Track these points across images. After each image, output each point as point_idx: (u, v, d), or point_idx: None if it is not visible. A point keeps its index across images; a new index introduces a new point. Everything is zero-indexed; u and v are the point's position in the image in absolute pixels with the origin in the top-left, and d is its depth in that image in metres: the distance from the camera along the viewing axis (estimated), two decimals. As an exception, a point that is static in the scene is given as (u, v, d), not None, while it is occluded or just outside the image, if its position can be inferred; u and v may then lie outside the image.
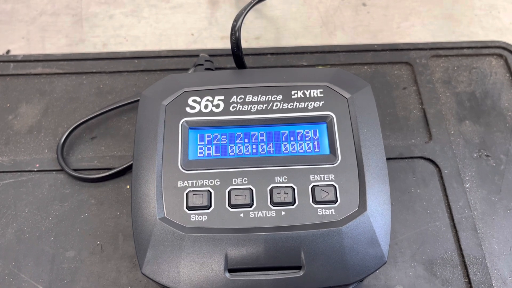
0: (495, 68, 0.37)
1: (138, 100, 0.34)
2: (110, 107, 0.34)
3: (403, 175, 0.32)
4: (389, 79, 0.36)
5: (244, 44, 0.35)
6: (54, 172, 0.32)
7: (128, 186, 0.31)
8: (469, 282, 0.28)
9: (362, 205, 0.24)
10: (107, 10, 0.41)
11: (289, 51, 0.38)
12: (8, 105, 0.35)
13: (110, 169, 0.32)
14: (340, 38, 0.39)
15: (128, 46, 0.39)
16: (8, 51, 0.38)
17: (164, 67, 0.37)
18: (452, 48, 0.38)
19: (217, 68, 0.35)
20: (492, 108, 0.35)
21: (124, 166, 0.32)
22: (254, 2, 0.30)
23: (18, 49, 0.39)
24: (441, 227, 0.30)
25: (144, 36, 0.39)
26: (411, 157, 0.33)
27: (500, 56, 0.38)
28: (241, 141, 0.26)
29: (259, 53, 0.37)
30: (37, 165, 0.32)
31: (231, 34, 0.28)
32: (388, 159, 0.32)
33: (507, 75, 0.37)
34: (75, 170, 0.32)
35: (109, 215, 0.30)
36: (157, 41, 0.39)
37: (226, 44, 0.39)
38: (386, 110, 0.35)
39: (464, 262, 0.29)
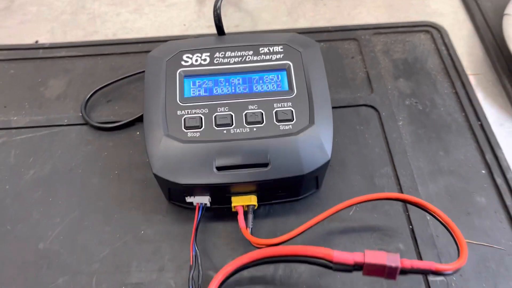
0: (423, 41, 0.47)
1: (142, 72, 0.43)
2: (121, 77, 0.43)
3: (350, 118, 0.41)
4: (340, 51, 0.46)
5: (226, 30, 0.45)
6: (79, 126, 0.41)
7: (138, 133, 0.40)
8: (400, 188, 0.37)
9: (311, 121, 0.33)
10: (114, 9, 0.51)
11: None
12: (40, 80, 0.44)
13: (122, 121, 0.41)
14: (303, 24, 0.49)
15: (133, 35, 0.48)
16: (36, 41, 0.48)
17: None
18: (390, 27, 0.48)
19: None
20: (421, 69, 0.45)
21: (134, 118, 0.41)
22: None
23: (45, 40, 0.48)
24: (380, 152, 0.39)
25: (146, 27, 0.49)
26: (357, 105, 0.42)
27: (427, 32, 0.48)
28: (223, 84, 0.35)
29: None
30: (66, 121, 0.41)
31: (214, 11, 0.38)
32: (339, 107, 0.42)
33: (433, 45, 0.47)
34: (96, 122, 0.41)
35: (124, 153, 0.39)
36: (156, 30, 0.49)
37: (212, 31, 0.48)
38: (338, 74, 0.44)
39: (397, 174, 0.38)
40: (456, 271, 0.27)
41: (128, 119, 0.40)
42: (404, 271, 0.27)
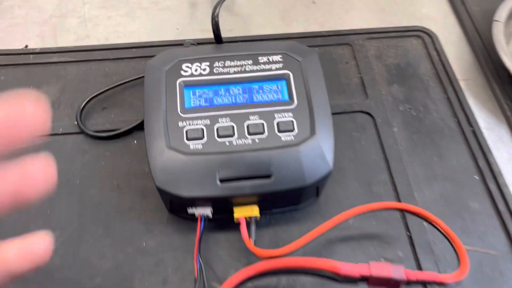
0: (415, 46, 0.48)
1: (137, 78, 0.43)
2: (116, 84, 0.43)
3: (347, 124, 0.42)
4: (335, 56, 0.47)
5: (220, 34, 0.45)
6: (75, 134, 0.40)
7: (135, 142, 0.40)
8: (397, 195, 0.38)
9: (312, 132, 0.34)
10: (105, 12, 0.50)
11: (256, 39, 0.47)
12: (32, 86, 0.43)
13: (119, 129, 0.40)
14: (296, 28, 0.49)
15: (126, 39, 0.48)
16: (26, 46, 0.47)
17: (157, 53, 0.46)
18: (383, 32, 0.49)
19: (200, 51, 0.44)
20: (413, 74, 0.45)
21: (131, 126, 0.40)
22: (228, -4, 0.39)
23: (35, 44, 0.47)
24: (376, 159, 0.40)
25: (138, 31, 0.49)
26: (353, 111, 0.43)
27: (419, 37, 0.48)
28: (223, 94, 0.35)
29: (232, 40, 0.47)
30: (61, 129, 0.40)
31: (212, 18, 0.38)
32: (335, 113, 0.42)
33: (424, 50, 0.47)
34: (92, 131, 0.40)
35: (122, 163, 0.39)
36: (149, 34, 0.48)
37: (205, 35, 0.48)
38: (333, 79, 0.45)
39: (394, 181, 0.38)
40: (458, 282, 0.28)
41: (125, 128, 0.40)
42: (408, 282, 0.28)
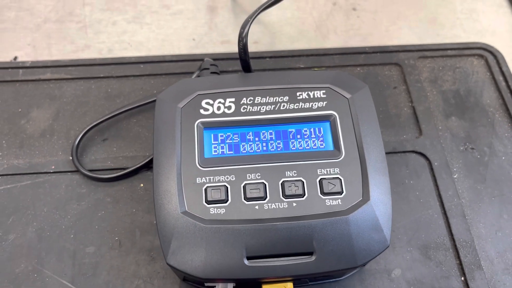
0: (477, 68, 0.40)
1: (147, 103, 0.36)
2: (120, 110, 0.35)
3: (397, 168, 0.34)
4: (381, 79, 0.39)
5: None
6: (70, 173, 0.34)
7: (142, 185, 0.33)
8: (460, 264, 0.31)
9: (366, 195, 0.26)
10: (110, 16, 0.43)
11: (286, 55, 0.40)
12: (20, 110, 0.36)
13: (123, 169, 0.33)
14: (333, 41, 0.42)
15: (132, 51, 0.40)
16: (15, 58, 0.40)
17: (169, 71, 0.39)
18: (437, 50, 0.41)
19: (221, 72, 0.37)
20: (475, 105, 0.38)
21: (137, 166, 0.33)
22: (259, 11, 0.32)
23: (25, 56, 0.40)
24: (433, 215, 0.33)
25: (148, 42, 0.41)
26: (404, 151, 0.35)
27: (481, 56, 0.41)
28: (252, 140, 0.28)
29: (258, 56, 0.39)
30: (53, 167, 0.34)
31: (239, 41, 0.30)
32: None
33: (488, 73, 0.40)
34: (89, 170, 0.33)
35: (125, 212, 0.32)
36: (160, 46, 0.41)
37: (227, 49, 0.41)
38: (379, 108, 0.37)
39: (455, 245, 0.31)
40: None
41: (130, 168, 0.33)
42: None
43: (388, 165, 0.33)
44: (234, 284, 0.27)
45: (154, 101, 0.35)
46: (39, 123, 0.36)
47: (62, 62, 0.39)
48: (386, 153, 0.35)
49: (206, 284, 0.27)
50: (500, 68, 0.40)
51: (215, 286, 0.27)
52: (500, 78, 0.39)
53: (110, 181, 0.33)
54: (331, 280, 0.30)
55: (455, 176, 0.34)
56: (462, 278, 0.30)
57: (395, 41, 0.42)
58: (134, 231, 0.31)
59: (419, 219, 0.32)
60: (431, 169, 0.34)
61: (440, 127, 0.37)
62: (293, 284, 0.27)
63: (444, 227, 0.32)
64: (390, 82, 0.39)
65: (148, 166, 0.34)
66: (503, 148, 0.36)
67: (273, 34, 0.42)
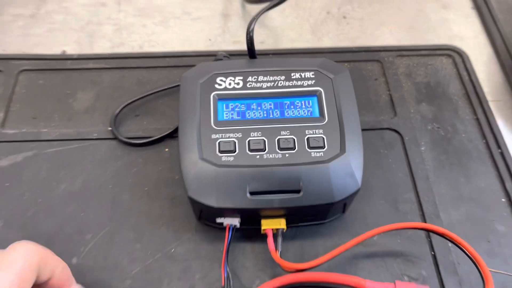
0: (445, 65, 0.48)
1: (170, 88, 0.44)
2: (149, 92, 0.44)
3: (375, 141, 0.42)
4: (364, 73, 0.47)
5: (251, 46, 0.46)
6: (108, 140, 0.42)
7: (167, 149, 0.41)
8: (423, 214, 0.38)
9: (342, 149, 0.34)
10: (140, 20, 0.52)
11: (287, 52, 0.48)
12: (68, 91, 0.45)
13: (151, 137, 0.41)
14: (326, 43, 0.50)
15: (159, 48, 0.49)
16: (64, 51, 0.48)
17: (189, 63, 0.47)
18: (413, 50, 0.49)
19: (232, 63, 0.45)
20: (442, 94, 0.46)
21: (162, 135, 0.41)
22: (263, 11, 0.40)
23: (72, 50, 0.49)
24: (403, 177, 0.40)
25: (171, 41, 0.50)
26: (381, 128, 0.43)
27: (449, 56, 0.49)
28: (255, 108, 0.36)
29: (263, 53, 0.48)
30: (95, 135, 0.42)
31: (247, 34, 0.39)
32: (363, 129, 0.42)
33: (454, 69, 0.48)
34: (124, 137, 0.41)
35: (153, 170, 0.40)
36: (182, 44, 0.50)
37: (237, 47, 0.49)
38: (362, 96, 0.45)
39: (419, 200, 0.39)
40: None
41: (157, 136, 0.41)
42: (433, 303, 0.28)
43: (368, 138, 0.41)
44: (239, 220, 0.34)
45: (176, 86, 0.43)
46: (84, 102, 0.44)
47: (101, 55, 0.48)
48: (367, 129, 0.43)
49: (217, 221, 0.35)
50: (465, 65, 0.48)
51: (223, 223, 0.34)
52: (464, 73, 0.47)
53: (141, 146, 0.41)
54: (317, 223, 0.37)
55: (422, 148, 0.42)
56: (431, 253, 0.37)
57: (377, 43, 0.50)
58: (159, 184, 0.39)
59: (391, 180, 0.40)
60: (403, 143, 0.42)
61: (412, 111, 0.44)
62: (286, 222, 0.35)
63: (411, 187, 0.39)
64: (372, 75, 0.47)
65: (172, 135, 0.42)
66: (463, 127, 0.43)
67: (276, 36, 0.51)
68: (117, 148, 0.41)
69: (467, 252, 0.31)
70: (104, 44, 0.49)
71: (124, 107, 0.43)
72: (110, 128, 0.42)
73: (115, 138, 0.42)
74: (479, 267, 0.30)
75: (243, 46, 0.40)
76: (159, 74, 0.46)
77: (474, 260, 0.30)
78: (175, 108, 0.43)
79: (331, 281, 0.30)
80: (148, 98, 0.44)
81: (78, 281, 0.32)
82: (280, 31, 0.51)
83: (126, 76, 0.46)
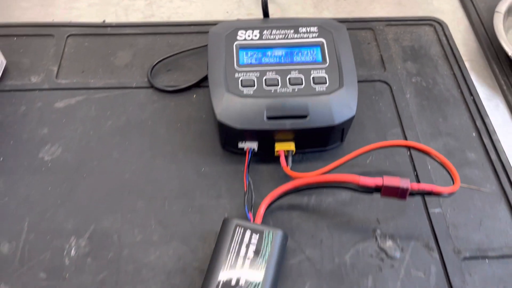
0: (428, 32, 0.57)
1: (195, 48, 0.53)
2: (178, 51, 0.52)
3: (368, 89, 0.50)
4: (359, 38, 0.56)
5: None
6: (145, 88, 0.50)
7: (194, 96, 0.49)
8: (410, 153, 0.46)
9: (341, 85, 0.42)
10: (167, -3, 0.60)
11: (293, 22, 0.57)
12: (109, 51, 0.53)
13: (181, 86, 0.50)
14: (327, 15, 0.59)
15: (185, 19, 0.58)
16: (104, 21, 0.57)
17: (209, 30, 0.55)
18: (400, 20, 0.57)
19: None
20: (424, 54, 0.54)
21: (191, 84, 0.50)
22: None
23: (111, 20, 0.57)
24: (391, 117, 0.48)
25: (195, 13, 0.58)
26: (373, 80, 0.51)
27: (431, 25, 0.57)
28: (270, 55, 0.45)
29: (273, 22, 0.56)
30: (134, 84, 0.50)
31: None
32: (359, 81, 0.50)
33: (435, 36, 0.56)
34: (159, 86, 0.50)
35: (183, 111, 0.48)
36: (203, 16, 0.58)
37: (250, 18, 0.58)
38: (357, 56, 0.54)
39: (405, 134, 0.47)
40: (451, 194, 0.36)
41: (186, 85, 0.49)
42: (412, 193, 0.36)
43: (362, 88, 0.50)
44: (257, 144, 0.43)
45: (201, 47, 0.52)
46: (123, 60, 0.53)
47: (136, 23, 0.56)
48: (361, 81, 0.51)
49: (239, 146, 0.43)
50: (444, 33, 0.56)
51: (244, 148, 0.42)
52: (443, 39, 0.56)
53: (173, 93, 0.49)
54: (320, 150, 0.45)
55: (407, 96, 0.50)
56: (408, 153, 0.45)
57: (370, 15, 0.59)
58: (189, 122, 0.47)
59: (381, 119, 0.48)
60: (391, 91, 0.50)
61: (399, 67, 0.53)
62: (295, 146, 0.43)
63: (398, 124, 0.48)
64: (365, 40, 0.55)
65: (198, 85, 0.50)
66: (442, 80, 0.52)
67: (283, 10, 0.59)
68: (153, 94, 0.49)
69: (439, 161, 0.39)
70: (137, 15, 0.58)
71: (158, 62, 0.51)
72: (146, 79, 0.50)
73: (151, 87, 0.50)
74: (448, 169, 0.38)
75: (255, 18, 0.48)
76: (185, 39, 0.55)
77: (445, 166, 0.38)
78: (200, 64, 0.52)
79: (330, 180, 0.38)
80: (178, 57, 0.53)
81: (124, 192, 0.40)
82: (287, 6, 0.60)
83: (158, 41, 0.55)
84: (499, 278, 0.38)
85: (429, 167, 0.44)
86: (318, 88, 0.42)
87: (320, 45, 0.45)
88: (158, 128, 0.47)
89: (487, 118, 0.48)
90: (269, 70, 0.43)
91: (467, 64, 0.53)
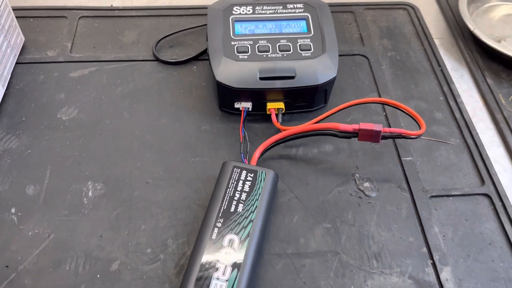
0: (402, 15, 0.63)
1: (194, 27, 0.59)
2: (180, 29, 0.58)
3: (348, 62, 0.57)
4: (341, 20, 0.62)
5: (256, 0, 0.61)
6: (151, 61, 0.56)
7: (194, 67, 0.55)
8: (385, 113, 0.52)
9: (323, 51, 0.49)
10: (168, -14, 0.67)
11: (282, 6, 0.63)
12: (117, 31, 0.59)
13: (182, 58, 0.56)
14: (312, 1, 0.65)
15: (185, 3, 0.64)
16: (111, 5, 0.63)
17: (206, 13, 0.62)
18: (378, 4, 0.64)
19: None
20: (399, 33, 0.61)
21: (191, 56, 0.56)
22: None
23: (117, 4, 0.63)
24: (369, 84, 0.55)
25: (194, -1, 0.65)
26: (353, 54, 0.58)
27: (405, 9, 0.64)
28: (261, 27, 0.51)
29: (264, 6, 0.63)
30: (141, 57, 0.56)
31: (254, -21, 0.54)
32: (340, 55, 0.57)
33: (408, 18, 0.63)
34: (163, 59, 0.56)
35: (185, 79, 0.54)
36: (202, 1, 0.64)
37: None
38: (339, 34, 0.60)
39: (380, 96, 0.53)
40: (418, 136, 0.43)
41: (187, 57, 0.56)
42: (385, 136, 0.43)
43: (343, 61, 0.56)
44: (251, 104, 0.49)
45: (199, 26, 0.58)
46: (130, 37, 0.59)
47: (141, 7, 0.62)
48: (343, 55, 0.57)
49: (235, 106, 0.49)
50: (416, 15, 0.63)
51: (239, 108, 0.49)
52: (415, 20, 0.63)
53: (175, 64, 0.55)
54: (306, 110, 0.51)
55: (383, 67, 0.57)
56: (384, 113, 0.52)
57: (351, 1, 0.65)
58: (191, 88, 0.53)
59: (360, 86, 0.54)
60: (369, 63, 0.57)
61: (376, 44, 0.59)
62: (284, 106, 0.49)
63: (375, 90, 0.54)
64: (346, 21, 0.62)
65: (197, 58, 0.56)
66: (414, 54, 0.58)
67: (273, -4, 0.66)
68: (158, 66, 0.55)
69: (409, 113, 0.45)
70: (142, 0, 0.64)
71: (162, 38, 0.57)
72: (152, 53, 0.56)
73: (156, 60, 0.56)
74: (416, 119, 0.44)
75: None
76: (185, 20, 0.61)
77: (413, 116, 0.45)
78: (199, 41, 0.58)
79: (314, 128, 0.44)
80: (179, 34, 0.59)
81: (134, 146, 0.45)
82: (276, -7, 0.66)
83: (161, 22, 0.61)
84: (461, 212, 0.44)
85: (402, 124, 0.50)
86: (304, 53, 0.49)
87: (306, 19, 0.52)
88: (163, 93, 0.53)
89: (453, 85, 0.54)
90: (261, 39, 0.50)
91: (436, 42, 0.60)
